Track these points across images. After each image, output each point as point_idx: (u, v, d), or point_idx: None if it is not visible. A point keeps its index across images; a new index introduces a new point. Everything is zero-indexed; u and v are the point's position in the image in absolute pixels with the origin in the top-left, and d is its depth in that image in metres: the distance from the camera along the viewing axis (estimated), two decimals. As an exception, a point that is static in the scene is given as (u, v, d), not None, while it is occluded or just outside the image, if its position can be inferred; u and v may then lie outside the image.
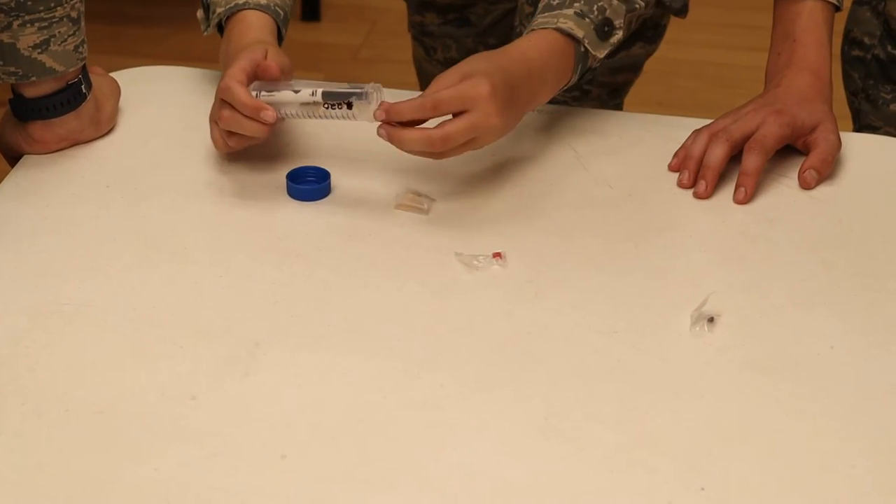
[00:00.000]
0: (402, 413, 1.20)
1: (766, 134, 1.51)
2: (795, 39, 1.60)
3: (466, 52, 1.41)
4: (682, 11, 1.68)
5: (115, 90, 1.60)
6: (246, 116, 1.39)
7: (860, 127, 1.84)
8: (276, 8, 1.53)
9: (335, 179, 1.49)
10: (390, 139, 1.39)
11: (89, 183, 1.50)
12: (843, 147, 1.55)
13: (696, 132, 1.55)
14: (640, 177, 1.53)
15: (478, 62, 1.43)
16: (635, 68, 1.98)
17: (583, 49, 1.51)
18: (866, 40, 1.82)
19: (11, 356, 1.25)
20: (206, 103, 1.63)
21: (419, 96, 1.40)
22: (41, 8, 1.42)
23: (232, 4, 1.52)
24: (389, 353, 1.26)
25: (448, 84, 1.40)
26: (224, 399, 1.21)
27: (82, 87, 1.50)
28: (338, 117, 1.41)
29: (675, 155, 1.55)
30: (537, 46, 1.49)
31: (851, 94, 1.86)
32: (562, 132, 1.60)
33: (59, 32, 1.44)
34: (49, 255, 1.38)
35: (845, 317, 1.32)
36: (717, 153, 1.51)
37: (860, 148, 1.59)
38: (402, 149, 1.40)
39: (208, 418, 1.19)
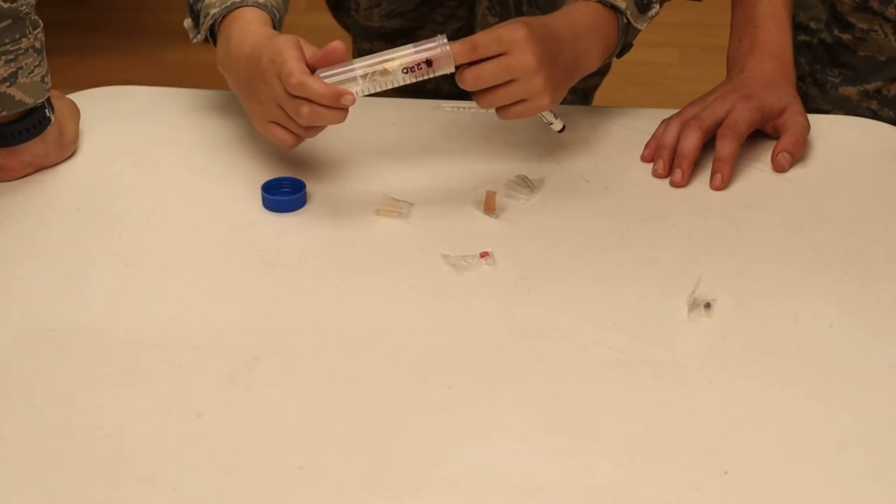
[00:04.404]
0: (414, 416, 1.18)
1: (738, 119, 1.52)
2: (756, 25, 1.61)
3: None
4: None
5: (75, 112, 1.56)
6: (324, 106, 1.35)
7: (809, 111, 1.85)
8: (273, 9, 1.49)
9: (309, 189, 1.47)
10: None
11: (59, 207, 1.46)
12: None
13: (666, 121, 1.56)
14: (614, 169, 1.53)
15: (519, 18, 1.42)
16: (604, 70, 1.98)
17: (625, 21, 1.50)
18: (812, 25, 1.84)
19: (5, 385, 1.21)
20: (167, 121, 1.62)
21: (462, 40, 1.38)
22: (7, 40, 1.38)
23: (228, 3, 1.47)
24: (391, 358, 1.25)
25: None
26: (230, 414, 1.18)
27: (46, 111, 1.46)
28: (412, 80, 1.39)
29: (647, 145, 1.55)
30: (580, 11, 1.48)
31: (798, 79, 1.87)
32: (529, 129, 1.59)
33: (25, 64, 1.40)
34: (28, 281, 1.34)
35: (840, 295, 1.32)
36: (691, 141, 1.51)
37: (826, 128, 1.60)
38: None
39: (218, 435, 1.16)
